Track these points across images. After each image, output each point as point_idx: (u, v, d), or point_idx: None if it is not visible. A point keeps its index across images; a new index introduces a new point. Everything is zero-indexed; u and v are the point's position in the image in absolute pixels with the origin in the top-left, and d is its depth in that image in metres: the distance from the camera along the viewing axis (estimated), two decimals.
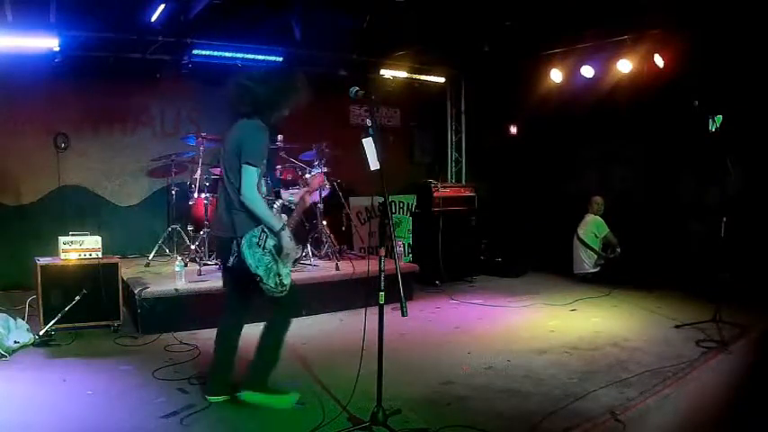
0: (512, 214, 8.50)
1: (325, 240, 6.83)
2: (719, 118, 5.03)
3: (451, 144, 9.45)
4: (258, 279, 3.27)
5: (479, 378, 4.09)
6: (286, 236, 3.36)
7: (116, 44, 6.66)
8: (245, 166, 3.22)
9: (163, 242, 6.64)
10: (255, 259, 3.25)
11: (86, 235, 5.04)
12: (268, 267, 3.28)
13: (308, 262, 6.33)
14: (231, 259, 3.32)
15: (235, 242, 3.29)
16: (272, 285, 3.30)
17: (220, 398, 3.58)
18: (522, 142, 9.11)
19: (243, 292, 3.58)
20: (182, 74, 7.08)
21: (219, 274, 5.87)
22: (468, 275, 7.72)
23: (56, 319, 4.67)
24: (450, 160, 9.44)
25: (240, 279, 3.45)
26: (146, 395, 3.71)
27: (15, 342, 4.47)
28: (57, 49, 6.08)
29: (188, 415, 3.39)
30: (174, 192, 6.75)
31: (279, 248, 3.34)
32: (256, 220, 3.28)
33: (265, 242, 3.29)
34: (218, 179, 3.78)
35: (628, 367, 4.23)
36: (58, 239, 4.99)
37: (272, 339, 3.47)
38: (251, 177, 3.22)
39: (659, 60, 6.56)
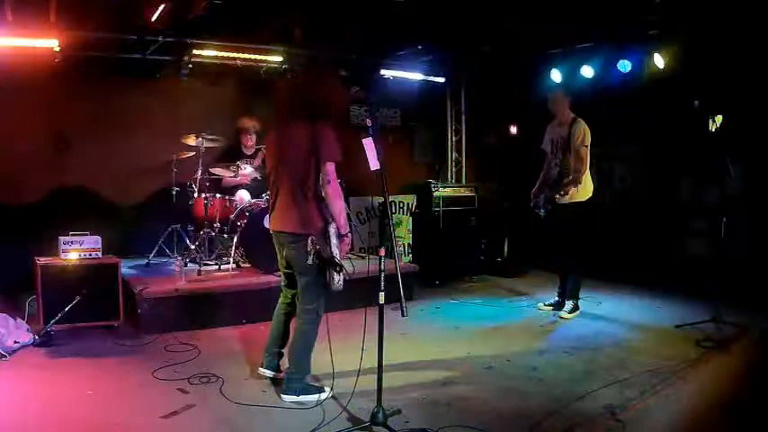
0: (512, 214, 8.49)
1: None
2: (720, 118, 5.03)
3: (451, 144, 9.44)
4: (336, 263, 3.43)
5: (479, 378, 4.10)
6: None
7: (116, 44, 6.64)
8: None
9: (163, 242, 6.63)
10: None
11: (86, 235, 5.05)
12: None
13: None
14: (310, 258, 3.43)
15: (310, 239, 3.43)
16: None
17: (269, 373, 3.86)
18: (522, 142, 9.10)
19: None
20: (182, 74, 7.07)
21: (218, 274, 5.93)
22: (468, 275, 7.72)
23: (56, 319, 4.66)
24: (450, 160, 9.42)
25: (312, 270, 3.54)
26: (146, 395, 3.71)
27: (15, 342, 4.47)
28: (57, 49, 6.07)
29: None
30: (174, 192, 6.74)
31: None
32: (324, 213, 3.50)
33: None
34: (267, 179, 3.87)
35: (628, 367, 4.23)
36: (58, 239, 4.99)
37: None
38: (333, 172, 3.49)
39: (659, 60, 6.56)
